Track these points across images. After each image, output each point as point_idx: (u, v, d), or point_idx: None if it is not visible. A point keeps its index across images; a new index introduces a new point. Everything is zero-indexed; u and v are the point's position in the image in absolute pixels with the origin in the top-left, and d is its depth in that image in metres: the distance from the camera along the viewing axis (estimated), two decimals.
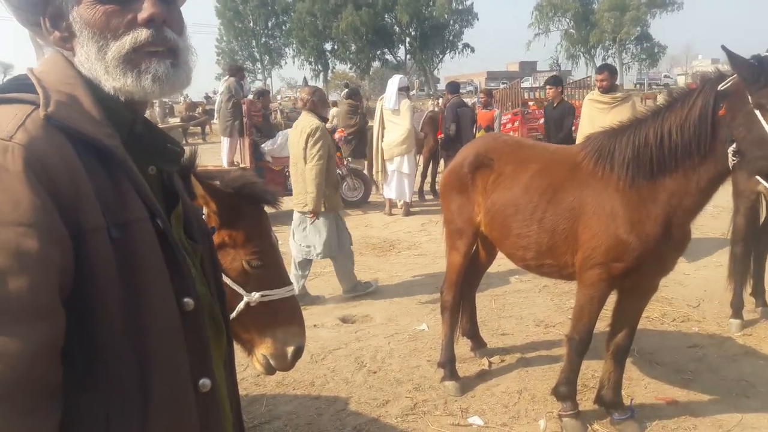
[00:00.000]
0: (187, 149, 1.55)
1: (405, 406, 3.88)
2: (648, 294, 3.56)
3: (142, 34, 1.12)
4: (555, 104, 8.86)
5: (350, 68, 65.00)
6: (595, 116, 6.47)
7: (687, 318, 5.41)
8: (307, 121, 5.82)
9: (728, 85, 2.72)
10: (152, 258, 1.10)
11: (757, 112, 2.59)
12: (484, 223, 3.92)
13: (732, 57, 2.66)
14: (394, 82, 10.13)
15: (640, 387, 4.14)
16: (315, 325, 5.28)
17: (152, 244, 1.11)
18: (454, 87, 11.05)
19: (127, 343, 1.05)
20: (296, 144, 5.84)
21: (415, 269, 7.17)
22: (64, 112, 1.05)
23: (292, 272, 5.92)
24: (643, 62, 70.39)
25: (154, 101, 14.56)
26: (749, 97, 2.62)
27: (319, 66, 65.04)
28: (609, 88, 6.50)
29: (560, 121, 8.57)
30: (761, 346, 4.77)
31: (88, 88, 1.13)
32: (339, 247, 6.00)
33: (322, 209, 5.76)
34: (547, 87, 8.05)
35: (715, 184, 2.97)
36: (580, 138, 6.44)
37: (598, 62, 69.00)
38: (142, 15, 1.12)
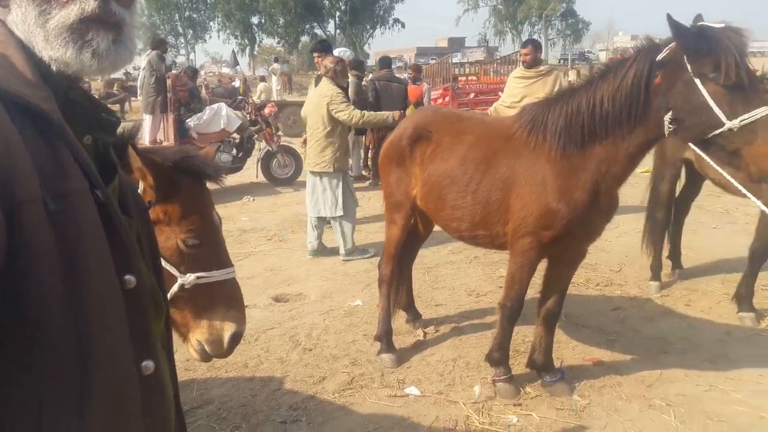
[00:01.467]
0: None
1: (342, 381, 3.87)
2: (577, 261, 3.67)
3: (90, 4, 1.03)
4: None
5: (278, 42, 63.62)
6: (517, 91, 6.55)
7: (610, 282, 5.65)
8: (327, 89, 6.21)
9: (665, 54, 2.78)
10: (93, 232, 1.01)
11: (698, 81, 2.66)
12: (420, 195, 3.93)
13: (676, 26, 2.69)
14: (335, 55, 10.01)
15: (568, 349, 4.30)
16: (247, 306, 5.14)
17: (92, 217, 1.02)
18: (385, 62, 10.93)
19: (65, 322, 0.96)
20: (315, 109, 6.27)
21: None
22: None
23: (309, 231, 6.62)
24: (567, 38, 72.39)
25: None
26: (689, 66, 2.68)
27: (246, 40, 63.29)
28: (533, 63, 6.57)
29: None
30: (677, 305, 5.05)
31: (22, 48, 1.03)
32: (345, 208, 6.38)
33: (332, 170, 6.23)
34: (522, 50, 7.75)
35: (642, 151, 3.07)
36: (494, 112, 6.54)
37: (525, 38, 70.49)
38: None
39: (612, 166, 3.08)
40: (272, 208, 7.80)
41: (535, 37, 71.68)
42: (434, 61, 26.71)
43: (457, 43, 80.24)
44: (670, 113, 2.77)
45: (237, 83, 24.08)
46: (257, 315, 5.01)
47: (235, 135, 10.38)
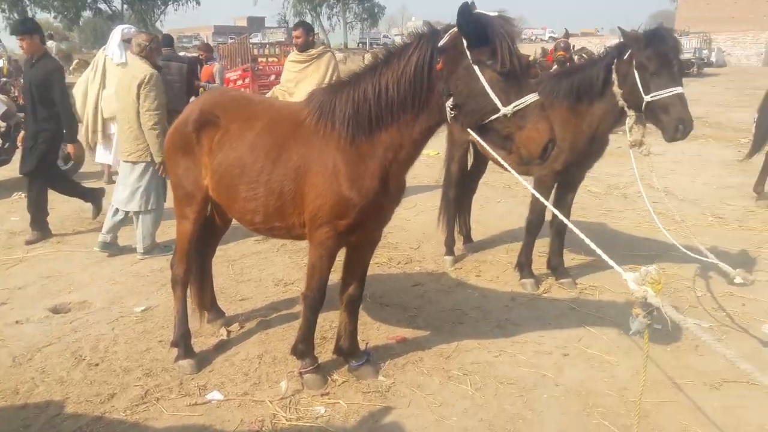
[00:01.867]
0: None
1: (135, 396, 3.51)
2: (372, 246, 3.71)
3: None
4: None
5: (55, 17, 56.61)
6: (292, 75, 6.48)
7: (410, 260, 5.89)
8: (140, 68, 5.58)
9: (446, 40, 2.83)
10: None
11: (476, 68, 2.75)
12: (211, 186, 3.67)
13: (461, 13, 2.72)
14: (117, 33, 9.04)
15: (373, 330, 4.38)
16: (18, 322, 4.48)
17: None
18: (167, 40, 10.07)
19: None
20: (126, 91, 5.62)
21: None
22: None
23: (107, 224, 6.04)
24: (365, 22, 74.50)
25: None
26: (468, 53, 2.76)
27: (15, 14, 55.23)
28: (305, 46, 6.45)
29: None
30: (469, 277, 5.42)
31: None
32: (154, 203, 5.94)
33: (149, 159, 5.72)
34: (294, 33, 7.70)
35: (426, 137, 3.13)
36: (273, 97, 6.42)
37: (324, 21, 71.33)
38: None
39: (399, 152, 3.12)
40: (49, 205, 6.87)
41: (334, 20, 73.21)
42: (233, 40, 25.70)
43: (257, 23, 78.51)
44: (451, 99, 2.86)
45: (0, 63, 20.92)
46: (30, 331, 4.36)
47: (0, 123, 9.00)
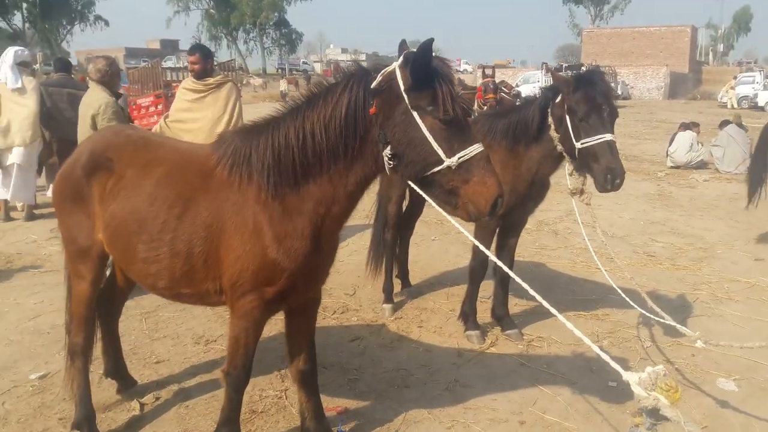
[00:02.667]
0: None
1: None
2: (313, 308, 3.27)
3: None
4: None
5: None
6: (185, 104, 5.76)
7: (346, 308, 5.47)
8: (95, 97, 5.30)
9: (380, 81, 2.48)
10: None
11: (415, 114, 2.42)
12: (105, 241, 3.12)
13: (405, 53, 2.44)
14: (9, 55, 8.17)
15: None
16: None
17: None
18: (62, 64, 9.16)
19: None
20: (83, 118, 5.32)
21: (44, 292, 5.79)
22: None
23: None
24: (283, 48, 74.02)
25: None
26: (405, 97, 2.43)
27: None
28: (202, 73, 5.68)
29: None
30: (411, 328, 5.05)
31: None
32: None
33: None
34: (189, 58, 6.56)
35: (363, 187, 2.75)
36: (159, 130, 5.75)
37: (241, 45, 70.32)
38: None
39: (332, 207, 2.72)
40: None
41: (251, 45, 72.30)
42: (145, 63, 24.52)
43: (170, 46, 76.41)
44: (389, 148, 2.51)
45: None
46: None
47: None
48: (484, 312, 5.13)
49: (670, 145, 13.85)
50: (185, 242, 2.81)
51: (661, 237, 8.00)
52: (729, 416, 3.73)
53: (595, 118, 3.94)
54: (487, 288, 5.29)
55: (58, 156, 8.47)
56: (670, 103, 42.40)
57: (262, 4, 65.31)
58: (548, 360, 4.48)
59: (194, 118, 5.72)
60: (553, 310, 2.45)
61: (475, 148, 2.45)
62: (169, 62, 36.78)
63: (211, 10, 67.79)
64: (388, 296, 5.44)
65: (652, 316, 3.92)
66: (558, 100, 4.15)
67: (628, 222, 8.84)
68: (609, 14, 70.17)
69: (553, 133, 4.20)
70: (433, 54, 2.43)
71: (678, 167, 13.37)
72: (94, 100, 5.22)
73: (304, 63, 75.10)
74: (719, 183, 11.95)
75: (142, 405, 3.79)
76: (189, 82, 5.83)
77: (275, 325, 4.32)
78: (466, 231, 3.25)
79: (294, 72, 62.33)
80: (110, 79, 5.39)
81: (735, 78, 40.14)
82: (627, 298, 4.06)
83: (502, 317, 4.95)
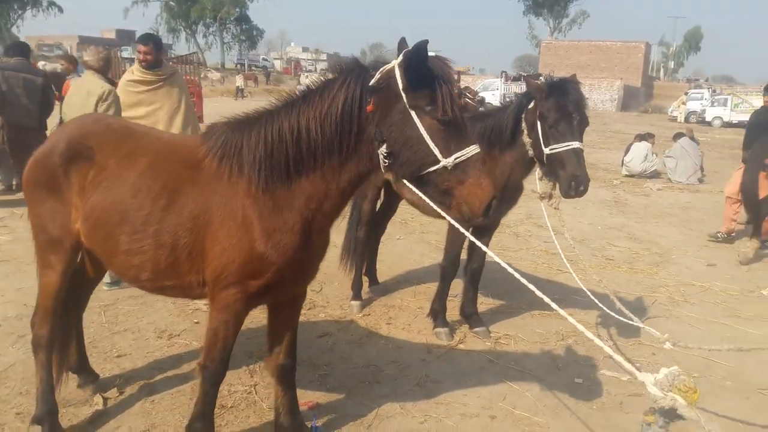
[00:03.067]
0: None
1: None
2: (297, 303, 3.23)
3: None
4: None
5: None
6: (133, 98, 5.46)
7: (313, 305, 5.41)
8: (95, 84, 5.25)
9: (378, 79, 2.47)
10: None
11: (413, 113, 2.41)
12: (84, 233, 3.00)
13: (404, 51, 2.41)
14: None
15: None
16: None
17: None
18: (19, 48, 8.51)
19: None
20: (80, 107, 5.11)
21: None
22: None
23: None
24: (243, 43, 73.03)
25: None
26: (404, 96, 2.41)
27: None
28: (154, 64, 5.46)
29: None
30: (379, 325, 5.04)
31: None
32: None
33: None
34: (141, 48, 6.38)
35: (356, 185, 2.73)
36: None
37: (200, 39, 69.08)
38: None
39: (323, 203, 2.69)
40: None
41: (210, 39, 71.04)
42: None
43: (126, 36, 74.33)
44: (384, 146, 2.50)
45: None
46: None
47: None
48: (451, 310, 5.17)
49: (625, 155, 14.28)
50: (170, 234, 2.74)
51: (618, 242, 8.23)
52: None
53: (564, 125, 4.02)
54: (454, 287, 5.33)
55: (8, 143, 8.13)
56: (623, 115, 43.72)
57: None
58: (516, 357, 4.54)
59: (149, 112, 5.46)
60: (582, 328, 2.47)
61: (472, 149, 2.45)
62: (125, 53, 35.74)
63: (171, 2, 66.28)
64: (357, 293, 5.42)
65: (619, 317, 4.00)
66: (531, 106, 4.21)
67: (586, 227, 9.06)
68: (567, 27, 71.88)
69: (525, 138, 4.26)
70: (432, 54, 2.43)
71: (632, 176, 13.80)
72: (95, 87, 5.15)
73: (263, 60, 74.22)
74: (672, 192, 12.39)
75: (105, 399, 3.66)
76: (138, 73, 5.51)
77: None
78: (468, 233, 3.24)
79: (253, 68, 61.54)
80: (105, 67, 5.43)
81: (686, 94, 41.72)
82: (597, 301, 4.11)
83: (470, 315, 5.00)
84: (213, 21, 68.51)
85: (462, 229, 3.13)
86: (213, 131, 2.85)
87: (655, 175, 13.92)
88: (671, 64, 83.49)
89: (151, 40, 5.58)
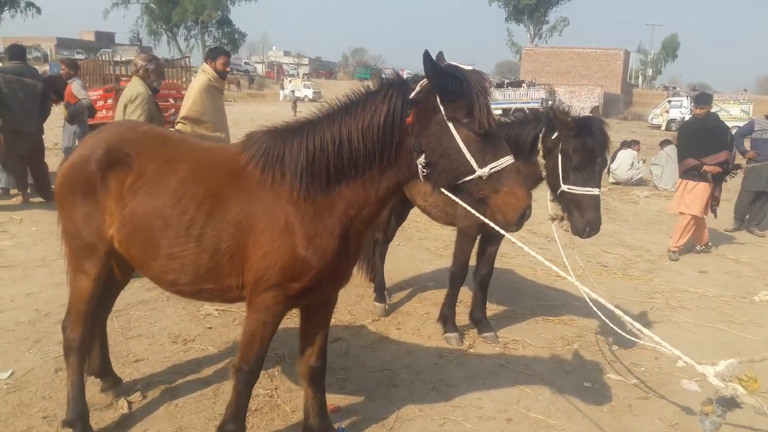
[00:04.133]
0: None
1: None
2: (330, 306, 3.34)
3: None
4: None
5: None
6: (207, 106, 5.97)
7: None
8: (131, 88, 5.83)
9: (418, 92, 2.58)
10: None
11: (451, 125, 2.53)
12: (120, 238, 3.07)
13: (430, 64, 2.52)
14: None
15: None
16: None
17: None
18: (17, 51, 8.56)
19: None
20: (119, 109, 5.89)
21: (2, 288, 5.53)
22: None
23: None
24: (224, 46, 72.60)
25: None
26: (442, 108, 2.53)
27: None
28: (225, 74, 6.17)
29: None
30: (389, 330, 5.15)
31: None
32: None
33: None
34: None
35: (393, 193, 2.85)
36: None
37: (182, 42, 68.62)
38: None
39: (362, 209, 2.81)
40: None
41: (192, 42, 70.54)
42: (81, 55, 23.58)
43: (105, 39, 73.64)
44: (423, 156, 2.62)
45: None
46: None
47: None
48: (461, 315, 5.29)
49: (612, 162, 14.54)
50: (213, 238, 2.83)
51: (611, 248, 8.44)
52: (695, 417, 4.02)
53: (588, 171, 4.05)
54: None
55: (6, 146, 8.08)
56: None
57: (205, 2, 63.93)
58: (525, 361, 4.68)
59: (217, 118, 6.16)
60: (648, 333, 2.55)
61: (506, 160, 2.56)
62: (105, 56, 35.33)
63: (152, 5, 65.73)
64: (381, 295, 5.57)
65: (623, 333, 4.01)
66: (554, 136, 4.19)
67: (560, 230, 9.23)
68: (548, 34, 72.73)
69: (540, 159, 4.29)
70: (469, 67, 2.56)
71: (619, 183, 14.08)
72: (128, 91, 5.76)
73: (245, 63, 73.99)
74: (659, 199, 12.68)
75: (129, 403, 3.72)
76: (216, 80, 6.08)
77: None
78: (517, 241, 3.24)
79: (235, 72, 61.25)
80: (145, 73, 5.88)
81: (669, 102, 42.39)
82: (600, 310, 4.22)
83: (479, 320, 5.13)
84: (194, 24, 68.11)
85: (503, 232, 3.16)
86: (253, 140, 2.95)
87: (641, 182, 14.22)
88: (649, 72, 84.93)
89: (223, 53, 6.18)
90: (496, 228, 2.81)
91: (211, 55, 6.12)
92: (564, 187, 4.14)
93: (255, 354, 3.00)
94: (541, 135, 4.32)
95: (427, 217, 5.64)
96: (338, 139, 2.70)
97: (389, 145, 2.66)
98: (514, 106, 39.23)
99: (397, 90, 2.65)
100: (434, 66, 2.56)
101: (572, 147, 4.06)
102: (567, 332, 5.30)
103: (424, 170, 2.63)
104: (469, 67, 2.63)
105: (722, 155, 7.59)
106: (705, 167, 7.62)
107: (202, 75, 6.06)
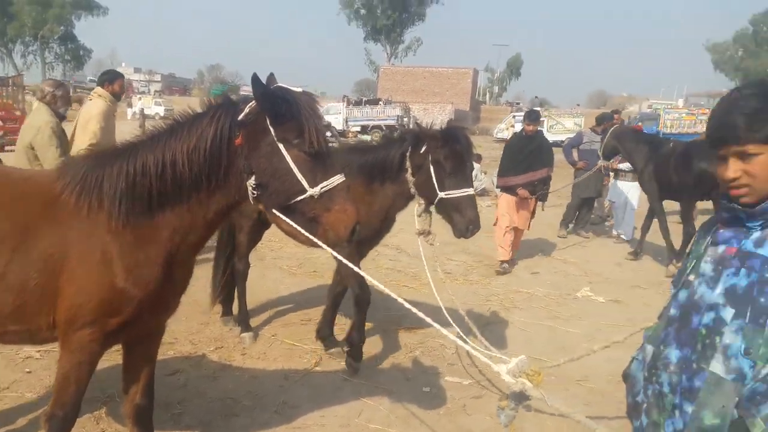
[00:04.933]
0: None
1: None
2: (155, 339, 3.16)
3: None
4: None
5: None
6: (105, 127, 5.65)
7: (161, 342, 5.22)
8: (40, 116, 5.49)
9: (247, 113, 2.56)
10: None
11: (281, 146, 2.53)
12: None
13: (259, 86, 2.51)
14: None
15: None
16: None
17: None
18: None
19: None
20: (24, 139, 5.48)
21: None
22: None
23: None
24: (68, 63, 67.64)
25: None
26: (272, 130, 2.53)
27: None
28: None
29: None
30: (233, 356, 5.01)
31: None
32: None
33: None
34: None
35: (222, 217, 2.81)
36: None
37: (17, 59, 62.82)
38: None
39: (188, 235, 2.73)
40: None
41: (30, 59, 64.84)
42: None
43: None
44: (253, 177, 2.61)
45: None
46: None
47: None
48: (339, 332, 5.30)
49: None
50: (20, 276, 2.59)
51: (455, 256, 8.89)
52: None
53: (460, 174, 4.33)
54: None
55: None
56: None
57: (46, 16, 59.10)
58: (369, 373, 4.77)
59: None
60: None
61: (337, 179, 2.61)
62: None
63: None
64: (246, 325, 5.41)
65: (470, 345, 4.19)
66: (423, 150, 4.35)
67: (425, 244, 9.62)
68: (403, 54, 75.52)
69: (409, 177, 4.42)
70: (300, 89, 2.59)
71: None
72: (38, 120, 5.42)
73: (91, 81, 69.16)
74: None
75: None
76: (111, 101, 5.95)
77: None
78: (349, 263, 3.37)
79: (79, 90, 57.09)
80: (53, 100, 5.54)
81: (514, 117, 45.62)
82: (464, 322, 4.36)
83: (326, 337, 5.15)
84: (33, 39, 62.70)
85: (341, 258, 3.24)
86: (71, 165, 2.77)
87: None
88: (496, 89, 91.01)
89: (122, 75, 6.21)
90: (325, 247, 2.85)
91: (107, 78, 5.97)
92: (441, 195, 4.31)
93: (70, 398, 2.77)
94: (408, 153, 4.46)
95: (281, 236, 5.58)
96: (161, 163, 2.60)
97: (217, 168, 2.61)
98: (372, 123, 40.46)
99: (226, 111, 2.61)
100: (263, 88, 2.56)
101: (443, 155, 4.28)
102: (410, 340, 5.48)
103: (254, 192, 2.60)
104: (299, 89, 2.67)
105: (543, 171, 8.24)
106: (518, 191, 8.01)
107: (100, 100, 5.83)
